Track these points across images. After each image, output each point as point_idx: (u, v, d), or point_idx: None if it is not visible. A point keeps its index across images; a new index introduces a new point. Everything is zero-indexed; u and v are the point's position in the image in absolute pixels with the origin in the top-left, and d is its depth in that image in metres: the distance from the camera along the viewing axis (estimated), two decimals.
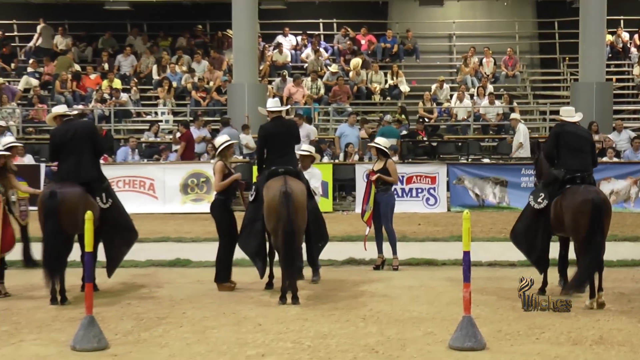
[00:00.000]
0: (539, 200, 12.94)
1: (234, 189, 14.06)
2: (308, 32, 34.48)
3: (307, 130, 24.61)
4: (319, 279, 14.11)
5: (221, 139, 14.13)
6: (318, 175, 14.59)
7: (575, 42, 29.72)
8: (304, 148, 14.87)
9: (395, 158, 24.79)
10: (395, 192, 21.97)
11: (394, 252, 15.48)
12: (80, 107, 29.10)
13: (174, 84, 31.37)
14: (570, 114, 13.27)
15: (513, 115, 27.50)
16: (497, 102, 29.69)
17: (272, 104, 13.96)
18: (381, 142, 16.04)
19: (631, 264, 15.74)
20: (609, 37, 32.47)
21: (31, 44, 34.64)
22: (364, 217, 15.62)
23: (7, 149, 14.28)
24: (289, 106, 27.17)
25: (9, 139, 15.35)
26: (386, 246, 15.66)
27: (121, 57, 33.43)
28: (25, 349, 10.11)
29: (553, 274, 13.31)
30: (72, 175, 13.05)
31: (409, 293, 13.33)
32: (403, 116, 28.23)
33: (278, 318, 11.60)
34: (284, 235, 12.51)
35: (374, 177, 15.53)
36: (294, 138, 13.71)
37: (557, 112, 14.60)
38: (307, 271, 13.94)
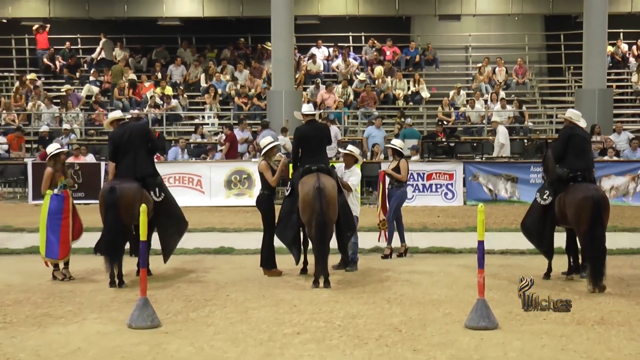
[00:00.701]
0: (545, 197, 12.92)
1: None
2: (339, 44, 34.44)
3: (334, 131, 24.62)
4: (353, 269, 13.98)
5: (266, 141, 14.05)
6: (358, 175, 14.31)
7: (579, 52, 29.55)
8: (349, 148, 14.53)
9: (417, 157, 24.79)
10: (415, 188, 22.34)
11: (389, 242, 15.34)
12: (136, 111, 29.25)
13: (219, 90, 31.48)
14: (579, 118, 13.14)
15: (494, 118, 27.39)
16: (509, 107, 29.54)
17: (307, 109, 13.93)
18: (396, 143, 15.93)
19: (630, 252, 15.65)
20: (610, 48, 32.21)
21: (94, 55, 34.88)
22: (378, 211, 15.46)
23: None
24: (321, 110, 27.21)
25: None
26: (407, 236, 15.64)
27: (172, 67, 33.56)
28: (88, 326, 10.18)
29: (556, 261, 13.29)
30: (129, 172, 13.12)
31: (429, 278, 13.29)
32: (403, 119, 28.24)
33: (312, 300, 11.59)
34: (317, 226, 12.51)
35: (382, 176, 15.50)
36: (326, 139, 13.69)
37: (562, 116, 14.31)
38: (337, 257, 13.93)
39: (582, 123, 13.19)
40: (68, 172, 13.82)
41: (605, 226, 12.40)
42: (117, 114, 14.25)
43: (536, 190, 13.56)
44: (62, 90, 31.65)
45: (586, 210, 12.14)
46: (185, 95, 31.52)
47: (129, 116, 13.95)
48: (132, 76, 32.78)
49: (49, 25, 35.36)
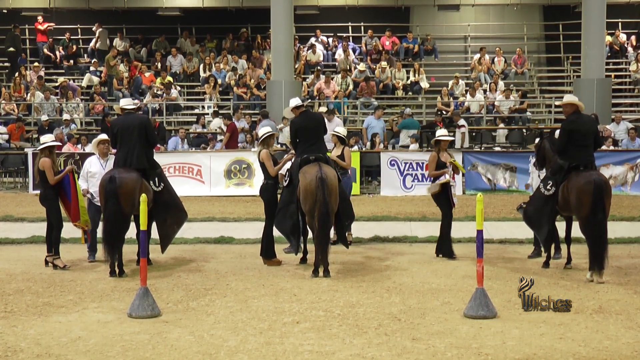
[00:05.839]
0: (548, 187, 12.91)
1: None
2: (338, 34, 34.40)
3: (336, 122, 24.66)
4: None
5: (263, 130, 14.01)
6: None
7: (578, 42, 29.47)
8: (336, 129, 14.52)
9: (416, 146, 24.77)
10: (414, 178, 22.44)
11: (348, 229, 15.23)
12: (136, 101, 29.20)
13: (219, 81, 31.43)
14: (575, 99, 13.06)
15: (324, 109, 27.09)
16: (511, 97, 29.47)
17: (294, 102, 13.88)
18: (340, 130, 15.52)
19: (628, 242, 15.67)
20: (608, 38, 32.20)
21: (92, 45, 34.70)
22: None
23: None
24: (308, 101, 27.16)
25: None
26: (407, 225, 15.62)
27: (172, 58, 33.50)
28: (89, 315, 10.19)
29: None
30: (126, 163, 13.09)
31: (428, 267, 13.31)
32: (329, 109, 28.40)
33: (311, 289, 11.60)
34: (320, 216, 12.50)
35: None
36: (322, 128, 13.67)
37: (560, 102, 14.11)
38: (339, 247, 13.94)
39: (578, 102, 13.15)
40: (57, 163, 13.85)
41: (607, 212, 12.37)
42: (125, 101, 14.16)
43: (540, 181, 13.54)
44: (58, 82, 31.47)
45: (588, 194, 12.13)
46: (177, 88, 31.39)
47: (133, 106, 13.82)
48: (118, 63, 32.57)
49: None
